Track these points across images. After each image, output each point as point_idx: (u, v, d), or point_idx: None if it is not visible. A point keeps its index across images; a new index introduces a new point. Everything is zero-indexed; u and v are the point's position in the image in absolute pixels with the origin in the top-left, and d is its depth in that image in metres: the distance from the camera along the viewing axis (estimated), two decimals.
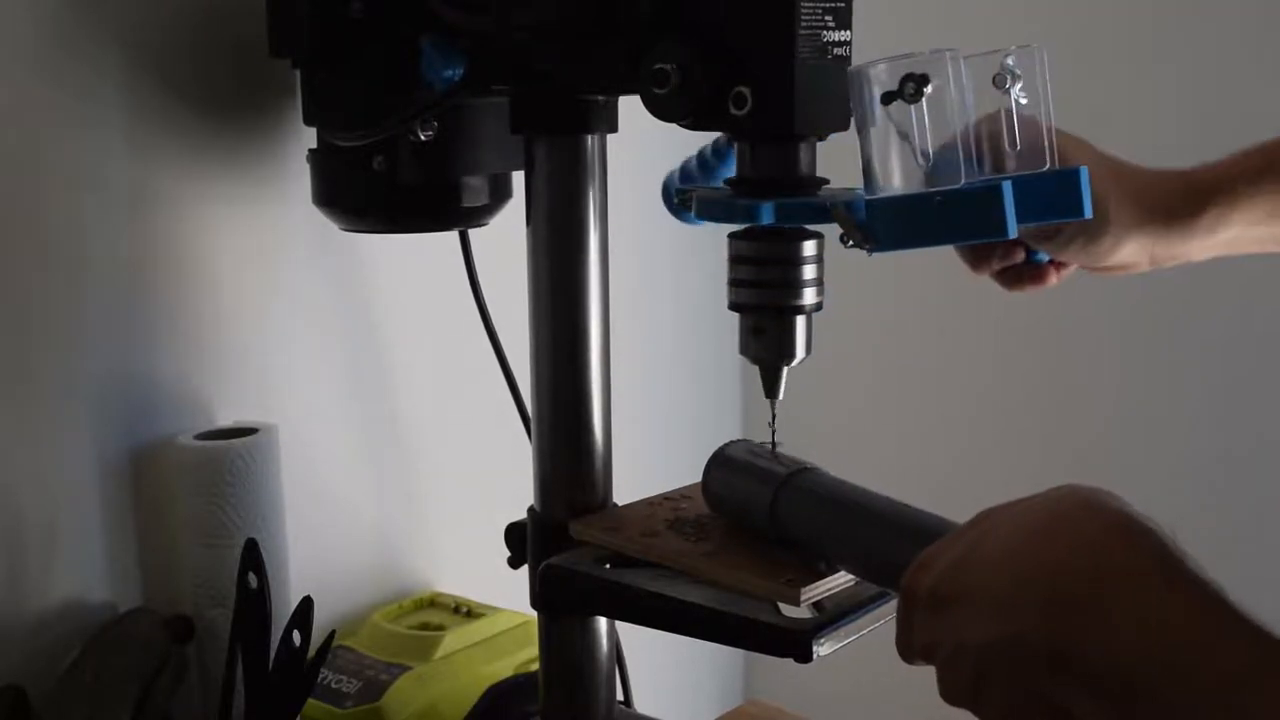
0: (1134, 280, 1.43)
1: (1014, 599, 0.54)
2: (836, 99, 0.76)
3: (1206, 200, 0.81)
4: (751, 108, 0.75)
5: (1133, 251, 0.82)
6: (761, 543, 0.80)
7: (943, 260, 1.50)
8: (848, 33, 0.77)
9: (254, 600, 0.93)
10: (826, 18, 0.75)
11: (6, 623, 0.98)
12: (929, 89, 0.69)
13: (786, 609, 0.75)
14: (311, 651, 0.91)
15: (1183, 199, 0.81)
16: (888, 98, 0.70)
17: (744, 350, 0.82)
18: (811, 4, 0.74)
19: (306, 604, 0.91)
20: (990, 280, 0.88)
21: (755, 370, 0.84)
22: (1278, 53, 1.35)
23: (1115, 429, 1.49)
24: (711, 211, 0.80)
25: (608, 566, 0.84)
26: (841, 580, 0.76)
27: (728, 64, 0.76)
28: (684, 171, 0.90)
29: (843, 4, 0.76)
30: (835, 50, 0.76)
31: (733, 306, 0.82)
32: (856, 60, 0.76)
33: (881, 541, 0.71)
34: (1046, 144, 0.74)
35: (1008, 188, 0.70)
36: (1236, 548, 1.43)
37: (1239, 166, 0.82)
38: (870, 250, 0.74)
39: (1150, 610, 0.51)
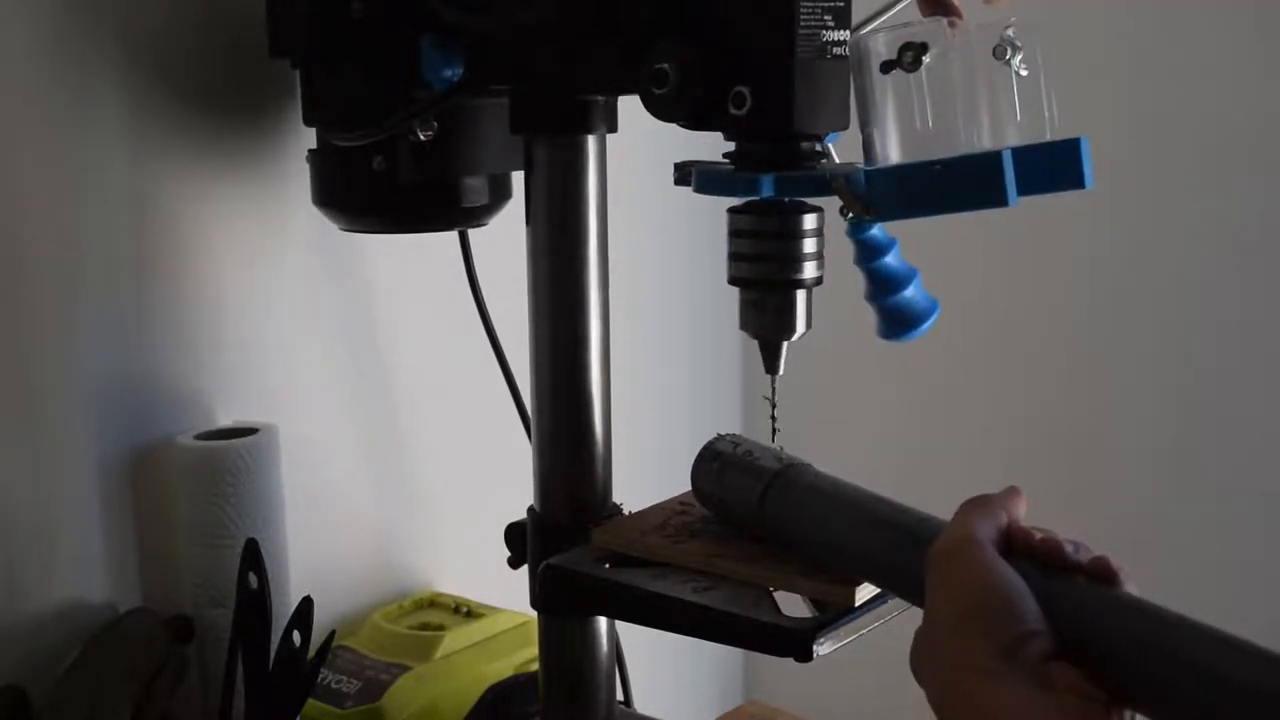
0: (1129, 275, 1.44)
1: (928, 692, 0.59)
2: (836, 98, 0.76)
3: None
4: (751, 107, 0.75)
5: None
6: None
7: (941, 258, 1.50)
8: (847, 32, 0.77)
9: (254, 600, 0.93)
10: (826, 17, 0.75)
11: (6, 623, 0.98)
12: (928, 58, 0.69)
13: (787, 609, 0.75)
14: (311, 651, 0.91)
15: None
16: (887, 67, 0.70)
17: (744, 325, 0.82)
18: (811, 4, 0.74)
19: (306, 604, 0.91)
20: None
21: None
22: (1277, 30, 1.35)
23: (1109, 425, 1.49)
24: (711, 184, 0.80)
25: (608, 566, 0.83)
26: None
27: (727, 64, 0.75)
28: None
29: (842, 3, 0.76)
30: (834, 50, 0.76)
31: (732, 281, 0.81)
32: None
33: (874, 541, 0.71)
34: (1046, 115, 0.74)
35: (1008, 156, 0.70)
36: (1227, 544, 1.43)
37: None
38: (870, 221, 0.74)
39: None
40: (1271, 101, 1.35)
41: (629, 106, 0.84)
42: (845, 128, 0.77)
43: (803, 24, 0.74)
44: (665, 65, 0.76)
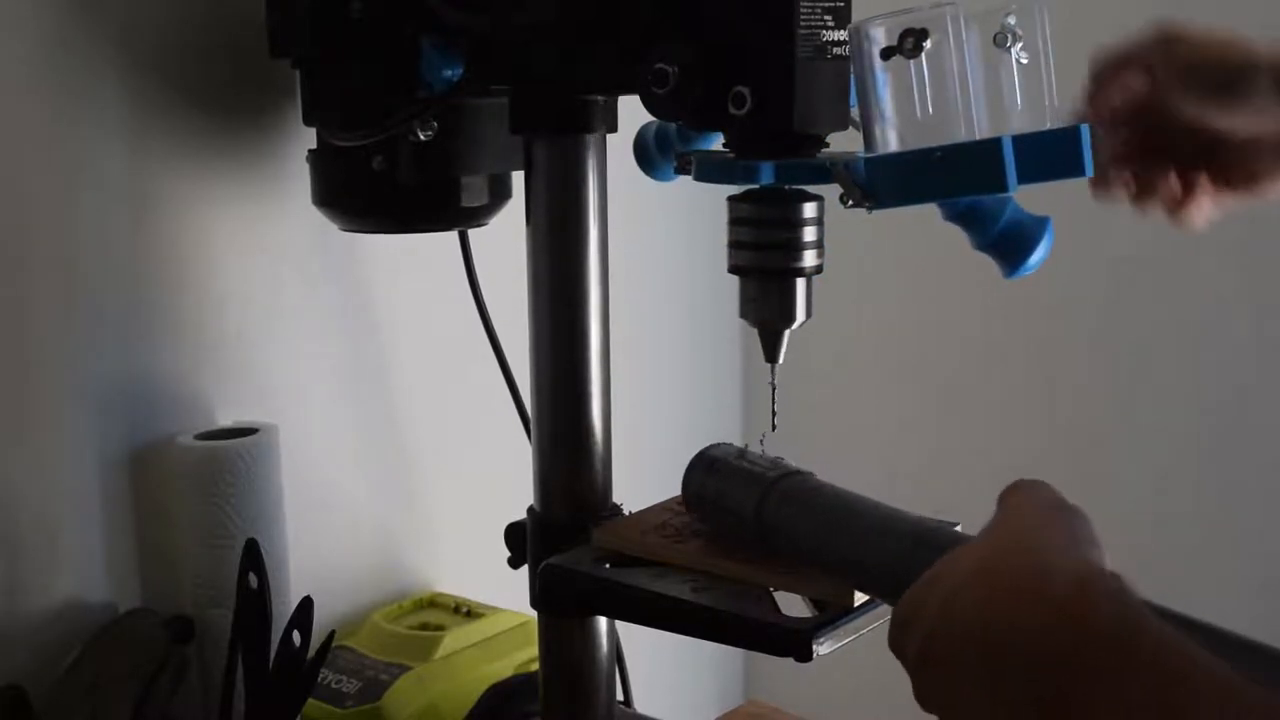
0: (1129, 277, 1.44)
1: (995, 682, 0.51)
2: (836, 98, 0.76)
3: None
4: (751, 107, 0.75)
5: None
6: None
7: (939, 261, 1.50)
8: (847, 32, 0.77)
9: (254, 600, 0.93)
10: (826, 17, 0.75)
11: (6, 623, 0.98)
12: (928, 44, 0.69)
13: (787, 609, 0.75)
14: (311, 651, 0.91)
15: None
16: (887, 53, 0.70)
17: (744, 314, 0.81)
18: (811, 4, 0.74)
19: (306, 604, 0.91)
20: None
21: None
22: None
23: (1107, 429, 1.49)
24: (711, 172, 0.79)
25: (608, 566, 0.83)
26: None
27: (727, 64, 0.75)
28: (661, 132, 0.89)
29: (842, 3, 0.76)
30: (834, 50, 0.76)
31: (732, 269, 0.81)
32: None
33: (874, 550, 0.70)
34: (1047, 102, 0.74)
35: (1007, 142, 0.70)
36: (1223, 544, 1.43)
37: None
38: (870, 208, 0.74)
39: (1129, 690, 0.48)
40: None
41: (629, 106, 0.84)
42: (844, 128, 0.77)
43: (803, 24, 0.74)
44: (665, 65, 0.76)
